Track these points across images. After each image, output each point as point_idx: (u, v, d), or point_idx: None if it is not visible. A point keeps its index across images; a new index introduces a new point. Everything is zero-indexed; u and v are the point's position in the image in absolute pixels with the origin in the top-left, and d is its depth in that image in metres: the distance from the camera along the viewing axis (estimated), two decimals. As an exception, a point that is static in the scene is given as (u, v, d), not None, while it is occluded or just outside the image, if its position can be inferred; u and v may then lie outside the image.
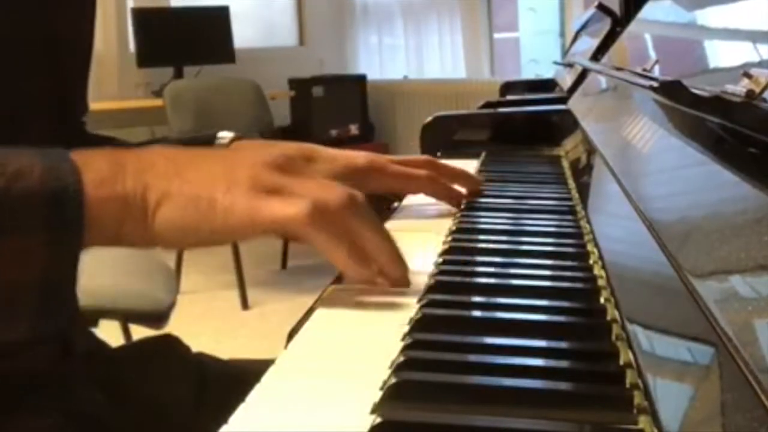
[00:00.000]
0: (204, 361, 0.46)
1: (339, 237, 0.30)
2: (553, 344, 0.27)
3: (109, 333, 0.56)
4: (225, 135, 0.46)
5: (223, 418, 0.23)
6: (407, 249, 0.35)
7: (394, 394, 0.23)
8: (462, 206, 0.48)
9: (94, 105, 0.47)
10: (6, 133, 0.33)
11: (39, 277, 0.27)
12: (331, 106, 2.91)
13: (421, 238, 0.43)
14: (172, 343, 0.45)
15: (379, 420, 0.22)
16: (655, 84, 0.39)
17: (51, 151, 0.29)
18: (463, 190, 0.49)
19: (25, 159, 0.28)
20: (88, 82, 0.43)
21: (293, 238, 0.31)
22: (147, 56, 2.56)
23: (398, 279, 0.33)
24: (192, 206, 0.30)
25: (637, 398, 0.22)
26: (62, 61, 0.38)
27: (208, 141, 0.45)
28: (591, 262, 0.36)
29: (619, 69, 0.62)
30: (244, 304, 1.96)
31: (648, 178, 0.38)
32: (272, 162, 0.32)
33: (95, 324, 0.44)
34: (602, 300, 0.31)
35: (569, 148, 0.70)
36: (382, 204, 0.51)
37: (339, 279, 0.35)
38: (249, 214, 0.30)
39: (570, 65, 1.11)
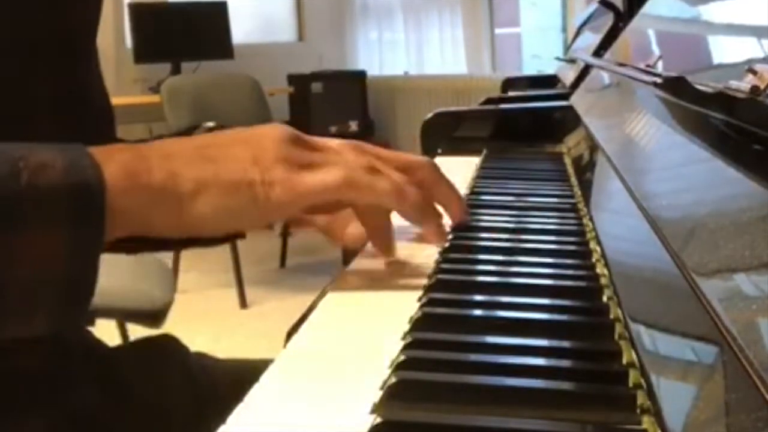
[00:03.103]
0: (202, 361, 0.46)
1: (382, 186, 0.32)
2: (555, 343, 0.27)
3: (106, 332, 0.56)
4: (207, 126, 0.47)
5: (222, 418, 0.22)
6: (407, 248, 0.35)
7: (394, 394, 0.23)
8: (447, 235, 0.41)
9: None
10: (14, 132, 0.33)
11: (60, 272, 0.27)
12: (331, 103, 2.91)
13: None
14: (169, 342, 0.45)
15: (379, 420, 0.22)
16: (658, 80, 0.39)
17: (70, 146, 0.29)
18: (446, 218, 0.41)
19: (47, 153, 0.28)
20: (100, 81, 0.42)
21: (336, 207, 0.34)
22: (144, 52, 2.56)
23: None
24: (234, 191, 0.30)
25: (641, 398, 0.22)
26: (70, 61, 0.38)
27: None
28: (593, 260, 0.36)
29: (622, 65, 0.62)
30: (243, 303, 1.96)
31: (651, 175, 0.38)
32: (290, 137, 0.32)
33: (92, 323, 0.43)
34: (605, 299, 0.30)
35: (571, 145, 0.70)
36: None
37: (338, 278, 0.35)
38: (291, 189, 0.31)
39: (572, 61, 1.11)
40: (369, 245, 0.38)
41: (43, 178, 0.27)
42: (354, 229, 0.38)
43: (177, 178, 0.30)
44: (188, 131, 0.46)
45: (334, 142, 0.34)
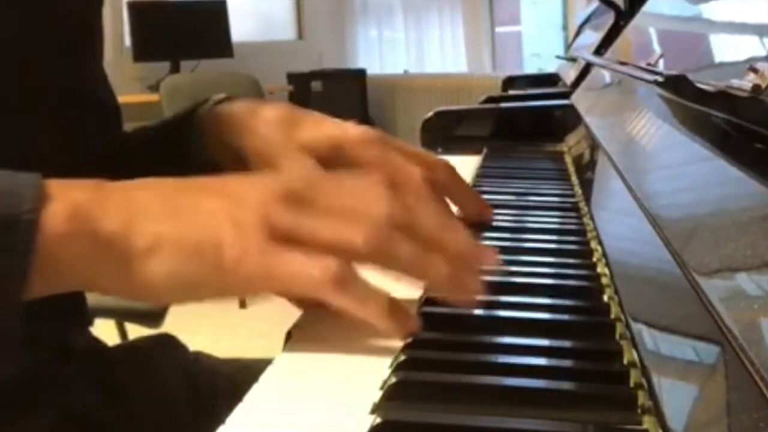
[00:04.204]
0: (201, 361, 0.46)
1: (368, 301, 0.25)
2: (556, 343, 0.26)
3: (105, 332, 0.56)
4: (215, 98, 0.41)
5: (221, 418, 0.22)
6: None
7: (394, 394, 0.23)
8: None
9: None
10: (14, 132, 0.32)
11: None
12: (330, 101, 2.91)
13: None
14: (168, 342, 0.45)
15: (379, 420, 0.22)
16: (659, 78, 0.39)
17: (14, 175, 0.25)
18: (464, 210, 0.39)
19: None
20: (104, 79, 0.41)
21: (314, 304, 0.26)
22: (143, 50, 2.55)
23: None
24: (195, 256, 0.24)
25: (642, 398, 0.22)
26: (72, 60, 0.38)
27: (194, 110, 0.41)
28: (594, 259, 0.35)
29: (623, 63, 0.61)
30: (242, 303, 1.96)
31: (652, 174, 0.38)
32: (285, 193, 0.26)
33: (90, 323, 0.43)
34: (606, 298, 0.30)
35: (572, 144, 0.69)
36: None
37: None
38: (264, 268, 0.24)
39: (573, 59, 1.11)
40: None
41: None
42: None
43: (131, 230, 0.24)
44: (192, 110, 0.40)
45: (357, 184, 0.27)
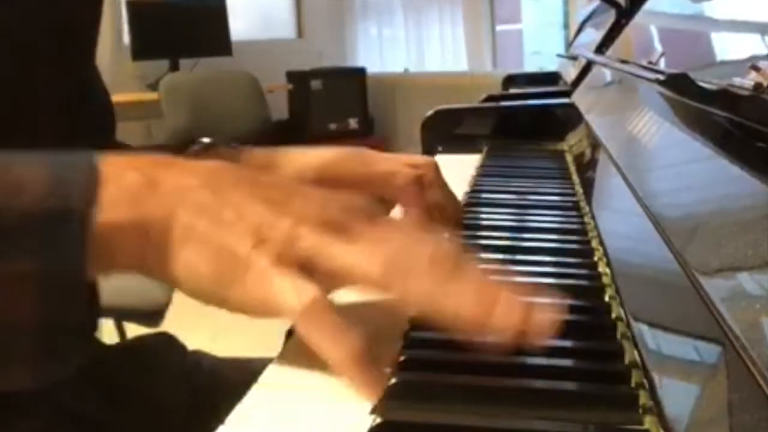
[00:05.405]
0: (200, 360, 0.46)
1: (337, 341, 0.24)
2: (557, 343, 0.26)
3: (104, 331, 0.56)
4: (202, 141, 0.41)
5: (219, 417, 0.22)
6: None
7: (394, 394, 0.23)
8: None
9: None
10: (14, 132, 0.32)
11: (31, 316, 0.23)
12: (330, 100, 2.90)
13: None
14: (167, 341, 0.45)
15: (379, 420, 0.22)
16: (661, 77, 0.39)
17: (68, 159, 0.25)
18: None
19: (31, 169, 0.24)
20: (98, 77, 0.41)
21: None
22: (142, 49, 2.55)
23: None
24: (213, 256, 0.24)
25: (643, 398, 0.22)
26: (70, 52, 0.38)
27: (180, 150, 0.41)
28: (595, 259, 0.35)
29: (624, 62, 0.61)
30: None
31: (653, 173, 0.37)
32: (328, 218, 0.25)
33: (95, 329, 0.43)
34: (607, 298, 0.30)
35: (573, 143, 0.69)
36: None
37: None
38: (258, 290, 0.24)
39: (574, 58, 1.10)
40: None
41: (16, 201, 0.23)
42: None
43: (173, 219, 0.24)
44: (181, 148, 0.40)
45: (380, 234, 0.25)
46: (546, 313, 0.24)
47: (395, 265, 0.24)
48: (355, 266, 0.24)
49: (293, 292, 0.24)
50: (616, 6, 0.85)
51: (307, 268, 0.24)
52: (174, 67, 2.57)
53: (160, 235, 0.24)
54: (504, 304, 0.24)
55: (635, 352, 0.25)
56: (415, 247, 0.25)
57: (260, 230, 0.24)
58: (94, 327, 0.40)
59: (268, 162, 0.41)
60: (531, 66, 2.80)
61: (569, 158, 0.65)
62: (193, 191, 0.25)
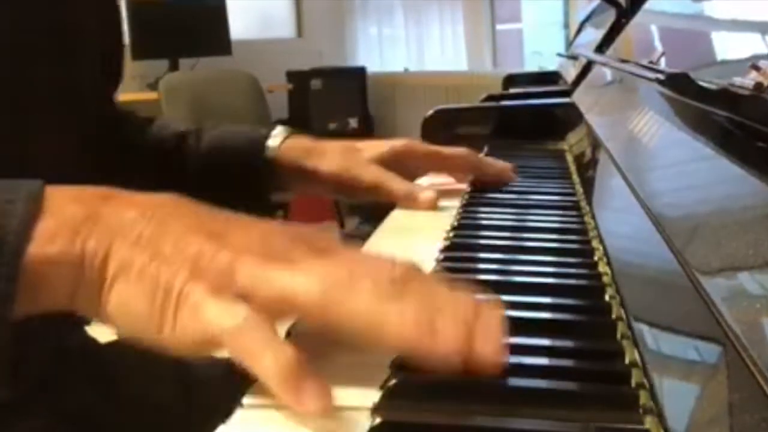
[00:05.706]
0: (197, 359, 0.46)
1: (264, 354, 0.22)
2: (557, 343, 0.26)
3: (100, 330, 0.56)
4: (278, 132, 0.50)
5: (217, 415, 0.22)
6: (407, 246, 0.34)
7: (394, 394, 0.23)
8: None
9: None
10: (14, 132, 0.32)
11: None
12: (330, 99, 2.91)
13: (421, 234, 0.43)
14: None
15: (379, 420, 0.22)
16: (661, 76, 0.39)
17: (16, 186, 0.24)
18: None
19: None
20: (102, 74, 0.41)
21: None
22: (142, 48, 2.55)
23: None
24: (149, 290, 0.23)
25: (643, 398, 0.22)
26: (70, 51, 0.37)
27: (255, 139, 0.49)
28: (596, 258, 0.35)
29: (624, 61, 0.61)
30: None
31: (654, 172, 0.37)
32: (270, 250, 0.24)
33: (88, 322, 0.43)
34: (607, 297, 0.30)
35: (573, 142, 0.69)
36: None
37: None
38: (193, 320, 0.23)
39: (574, 57, 1.10)
40: None
41: None
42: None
43: (108, 255, 0.23)
44: (254, 138, 0.50)
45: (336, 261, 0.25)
46: (493, 333, 0.23)
47: (335, 286, 0.23)
48: (295, 289, 0.23)
49: (226, 314, 0.23)
50: (617, 5, 0.85)
51: (247, 298, 0.23)
52: (174, 67, 2.57)
53: (95, 270, 0.24)
54: (447, 325, 0.22)
55: (635, 352, 0.25)
56: (358, 268, 0.24)
57: (198, 263, 0.23)
58: (86, 321, 0.40)
59: (348, 146, 0.48)
60: (531, 66, 2.80)
61: (569, 158, 0.65)
62: (133, 224, 0.24)
